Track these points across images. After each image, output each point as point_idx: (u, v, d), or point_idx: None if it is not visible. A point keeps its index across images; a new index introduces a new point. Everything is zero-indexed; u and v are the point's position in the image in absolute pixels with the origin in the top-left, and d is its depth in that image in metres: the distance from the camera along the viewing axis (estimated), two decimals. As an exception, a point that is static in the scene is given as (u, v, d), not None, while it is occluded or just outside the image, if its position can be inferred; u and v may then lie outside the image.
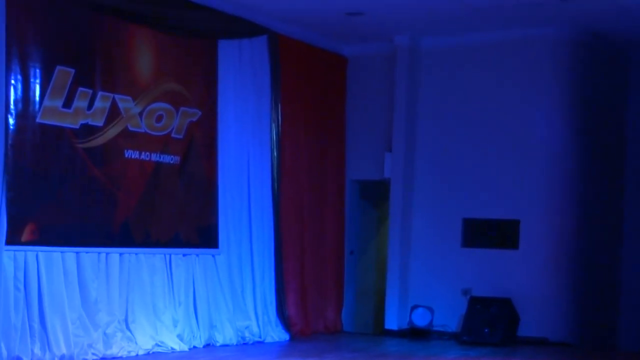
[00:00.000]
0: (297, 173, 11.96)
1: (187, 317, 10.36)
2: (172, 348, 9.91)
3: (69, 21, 9.20)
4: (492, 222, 12.09)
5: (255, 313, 11.22)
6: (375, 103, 12.79)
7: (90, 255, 9.35)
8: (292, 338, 11.45)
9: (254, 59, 11.34)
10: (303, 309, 11.94)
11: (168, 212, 10.24)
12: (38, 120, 8.89)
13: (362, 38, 12.51)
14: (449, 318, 12.05)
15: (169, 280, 10.24)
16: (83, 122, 9.29)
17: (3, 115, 8.59)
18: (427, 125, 12.47)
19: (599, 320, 12.47)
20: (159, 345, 9.84)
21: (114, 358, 9.30)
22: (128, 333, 9.66)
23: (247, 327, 11.04)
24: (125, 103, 9.72)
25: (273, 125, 11.54)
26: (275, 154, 11.54)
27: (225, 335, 10.69)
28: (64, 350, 8.85)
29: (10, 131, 8.63)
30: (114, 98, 9.60)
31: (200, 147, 10.63)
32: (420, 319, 11.98)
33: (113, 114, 9.60)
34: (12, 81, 8.67)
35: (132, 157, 9.82)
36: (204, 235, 10.67)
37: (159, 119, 10.15)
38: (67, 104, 9.13)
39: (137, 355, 9.55)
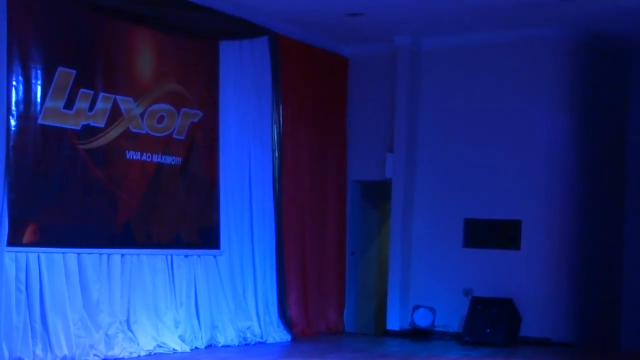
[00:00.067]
0: (298, 173, 11.96)
1: (188, 318, 10.36)
2: (173, 349, 9.91)
3: (70, 22, 9.21)
4: (494, 222, 12.09)
5: (257, 314, 11.22)
6: (376, 103, 12.79)
7: (92, 256, 9.35)
8: (294, 338, 11.44)
9: (255, 60, 11.35)
10: (304, 310, 11.95)
11: (169, 213, 10.24)
12: (39, 121, 8.89)
13: (362, 38, 12.51)
14: (451, 318, 12.05)
15: (170, 281, 10.23)
16: (84, 123, 9.29)
17: (4, 116, 8.59)
18: (428, 125, 12.47)
19: (601, 320, 12.46)
20: (160, 346, 9.85)
21: (115, 359, 9.30)
22: (130, 334, 9.66)
23: (248, 328, 11.04)
24: (126, 104, 9.73)
25: (274, 125, 11.54)
26: (276, 154, 11.54)
27: (227, 335, 10.69)
28: (65, 351, 8.85)
29: (11, 132, 8.64)
30: (115, 99, 9.60)
31: (201, 148, 10.63)
32: (421, 320, 11.98)
33: (114, 115, 9.60)
34: (14, 82, 8.68)
35: (134, 158, 9.83)
36: (205, 236, 10.67)
37: (161, 120, 10.16)
38: (69, 105, 9.13)
39: (138, 356, 9.54)
